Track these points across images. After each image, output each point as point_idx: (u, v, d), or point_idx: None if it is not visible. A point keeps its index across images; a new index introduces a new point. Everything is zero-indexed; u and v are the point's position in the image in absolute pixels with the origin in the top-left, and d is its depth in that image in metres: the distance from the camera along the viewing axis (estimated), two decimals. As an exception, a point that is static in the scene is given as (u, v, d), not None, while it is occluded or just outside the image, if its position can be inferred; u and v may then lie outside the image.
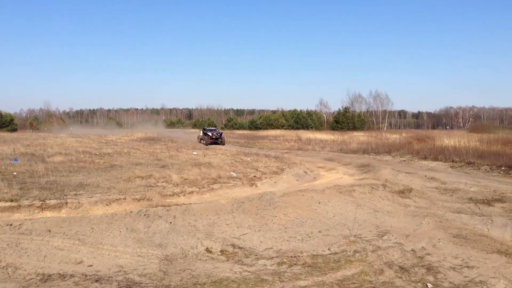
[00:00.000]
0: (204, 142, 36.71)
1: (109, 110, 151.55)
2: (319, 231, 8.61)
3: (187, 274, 6.17)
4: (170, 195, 11.27)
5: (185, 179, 13.30)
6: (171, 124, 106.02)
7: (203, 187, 12.42)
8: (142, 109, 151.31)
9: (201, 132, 40.36)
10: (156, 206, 9.46)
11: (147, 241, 7.43)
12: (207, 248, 7.36)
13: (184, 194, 11.60)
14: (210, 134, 37.63)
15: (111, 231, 7.60)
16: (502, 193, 13.06)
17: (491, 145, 27.12)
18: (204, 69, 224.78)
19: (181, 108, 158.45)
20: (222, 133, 41.16)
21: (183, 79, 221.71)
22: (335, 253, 7.25)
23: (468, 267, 6.45)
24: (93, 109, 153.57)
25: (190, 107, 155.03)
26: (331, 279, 5.98)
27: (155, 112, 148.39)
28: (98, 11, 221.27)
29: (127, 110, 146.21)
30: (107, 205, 9.80)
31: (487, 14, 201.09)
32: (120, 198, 10.19)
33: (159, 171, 14.56)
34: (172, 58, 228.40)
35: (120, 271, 6.25)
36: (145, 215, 8.34)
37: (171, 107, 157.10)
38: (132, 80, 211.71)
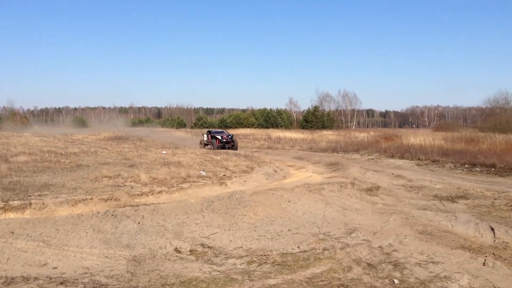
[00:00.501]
0: (212, 147, 30.62)
1: (75, 109, 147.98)
2: (289, 230, 8.65)
3: (155, 274, 6.09)
4: (138, 195, 11.10)
5: (154, 179, 13.13)
6: (139, 123, 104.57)
7: (172, 187, 12.30)
8: (110, 107, 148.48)
9: (206, 135, 33.54)
10: (124, 206, 9.28)
11: (114, 242, 7.28)
12: (176, 248, 7.27)
13: (152, 194, 11.45)
14: (219, 137, 31.67)
15: (77, 232, 7.40)
16: (466, 190, 13.48)
17: (455, 143, 28.03)
18: (174, 68, 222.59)
19: (150, 106, 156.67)
20: (233, 135, 34.74)
21: (152, 78, 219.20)
22: (305, 251, 7.29)
23: (433, 262, 6.59)
24: (59, 108, 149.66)
25: (159, 106, 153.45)
26: (301, 277, 6.01)
27: (124, 110, 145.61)
28: (63, 8, 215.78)
29: (94, 109, 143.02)
30: (73, 205, 9.56)
31: (454, 14, 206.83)
32: (86, 199, 9.96)
33: (127, 170, 14.32)
34: (141, 57, 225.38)
35: (86, 273, 6.10)
36: (112, 215, 8.16)
37: (140, 106, 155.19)
38: (100, 78, 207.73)
